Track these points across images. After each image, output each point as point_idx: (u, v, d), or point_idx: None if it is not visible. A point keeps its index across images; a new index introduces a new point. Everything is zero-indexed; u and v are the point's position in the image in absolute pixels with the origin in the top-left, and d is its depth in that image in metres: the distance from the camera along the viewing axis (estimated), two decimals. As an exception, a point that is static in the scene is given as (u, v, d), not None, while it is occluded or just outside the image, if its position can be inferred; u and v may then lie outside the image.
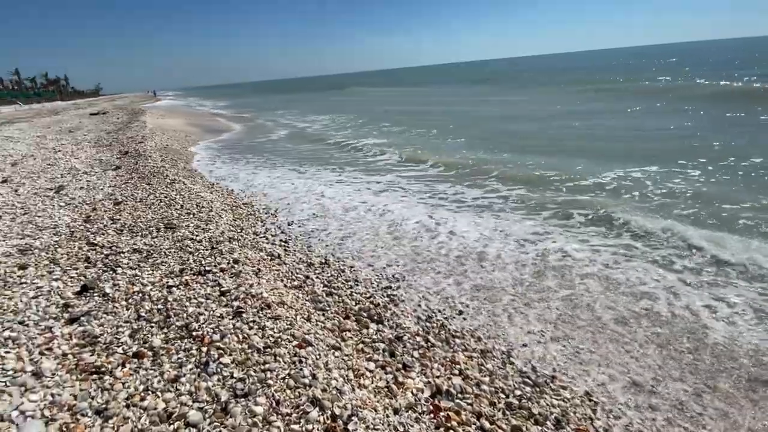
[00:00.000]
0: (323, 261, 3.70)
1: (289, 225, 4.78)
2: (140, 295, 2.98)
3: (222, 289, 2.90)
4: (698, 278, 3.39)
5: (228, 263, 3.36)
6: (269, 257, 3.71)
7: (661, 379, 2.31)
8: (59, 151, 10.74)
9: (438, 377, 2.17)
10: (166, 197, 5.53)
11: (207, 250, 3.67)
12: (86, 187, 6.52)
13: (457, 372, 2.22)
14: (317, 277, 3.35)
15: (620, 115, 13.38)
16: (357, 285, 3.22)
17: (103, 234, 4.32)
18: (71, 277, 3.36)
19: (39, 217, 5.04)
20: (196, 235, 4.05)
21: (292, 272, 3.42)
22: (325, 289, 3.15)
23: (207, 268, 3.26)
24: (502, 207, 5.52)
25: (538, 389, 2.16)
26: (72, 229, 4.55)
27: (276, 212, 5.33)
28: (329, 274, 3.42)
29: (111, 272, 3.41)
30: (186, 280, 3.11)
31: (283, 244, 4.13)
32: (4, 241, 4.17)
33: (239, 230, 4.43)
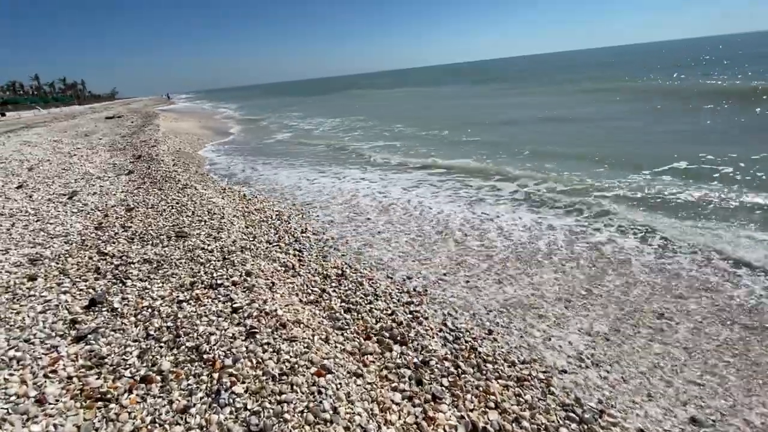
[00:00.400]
0: (340, 272, 3.51)
1: (303, 233, 4.61)
2: (149, 310, 2.84)
3: (234, 305, 2.73)
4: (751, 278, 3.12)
5: (240, 276, 3.20)
6: (283, 268, 3.55)
7: (729, 411, 2.05)
8: (74, 155, 10.84)
9: (472, 410, 1.95)
10: (177, 203, 5.43)
11: (218, 261, 3.53)
12: (99, 193, 6.49)
13: (492, 404, 2.00)
14: (334, 291, 3.17)
15: (624, 115, 12.81)
16: (377, 300, 3.02)
17: (114, 242, 4.22)
18: (80, 290, 3.25)
19: (51, 224, 4.99)
20: (208, 245, 3.91)
21: (307, 285, 3.25)
22: (343, 304, 2.96)
23: (218, 282, 3.11)
24: (542, 201, 5.43)
25: (585, 427, 1.92)
26: (83, 237, 4.47)
27: (289, 218, 5.17)
28: (346, 288, 3.22)
29: (120, 284, 3.28)
30: (197, 294, 2.96)
31: (297, 253, 3.96)
32: (15, 249, 4.10)
33: (252, 238, 4.28)
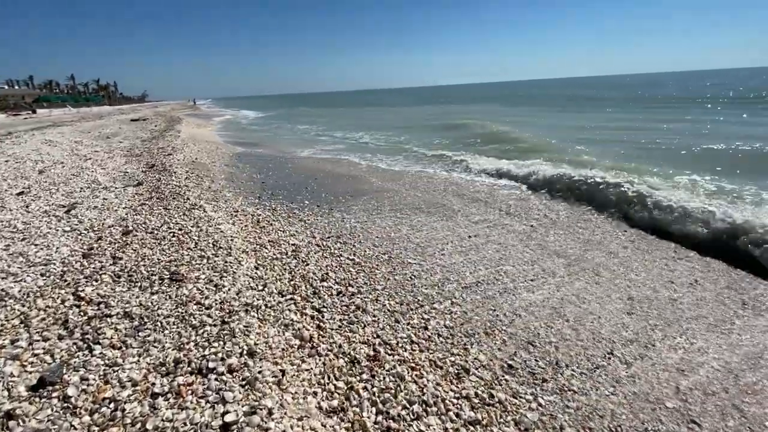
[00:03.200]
0: (371, 354, 2.67)
1: (323, 281, 3.81)
2: (111, 406, 2.07)
3: (225, 416, 1.93)
4: None
5: (240, 355, 2.42)
6: (297, 341, 2.74)
7: None
8: (89, 159, 10.56)
9: None
10: (180, 230, 4.76)
11: (215, 325, 2.76)
12: (100, 207, 5.93)
13: None
14: (365, 389, 2.33)
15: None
16: (427, 413, 2.16)
17: (97, 280, 3.54)
18: (35, 355, 2.53)
19: (36, 245, 4.39)
20: (206, 297, 3.17)
21: (328, 376, 2.42)
22: (380, 419, 2.10)
23: (210, 364, 2.33)
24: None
25: None
26: (65, 268, 3.81)
27: (308, 256, 4.40)
28: (382, 384, 2.38)
29: (87, 351, 2.55)
30: (179, 385, 2.18)
31: (316, 314, 3.15)
32: (-19, 281, 3.47)
33: (261, 287, 3.52)
